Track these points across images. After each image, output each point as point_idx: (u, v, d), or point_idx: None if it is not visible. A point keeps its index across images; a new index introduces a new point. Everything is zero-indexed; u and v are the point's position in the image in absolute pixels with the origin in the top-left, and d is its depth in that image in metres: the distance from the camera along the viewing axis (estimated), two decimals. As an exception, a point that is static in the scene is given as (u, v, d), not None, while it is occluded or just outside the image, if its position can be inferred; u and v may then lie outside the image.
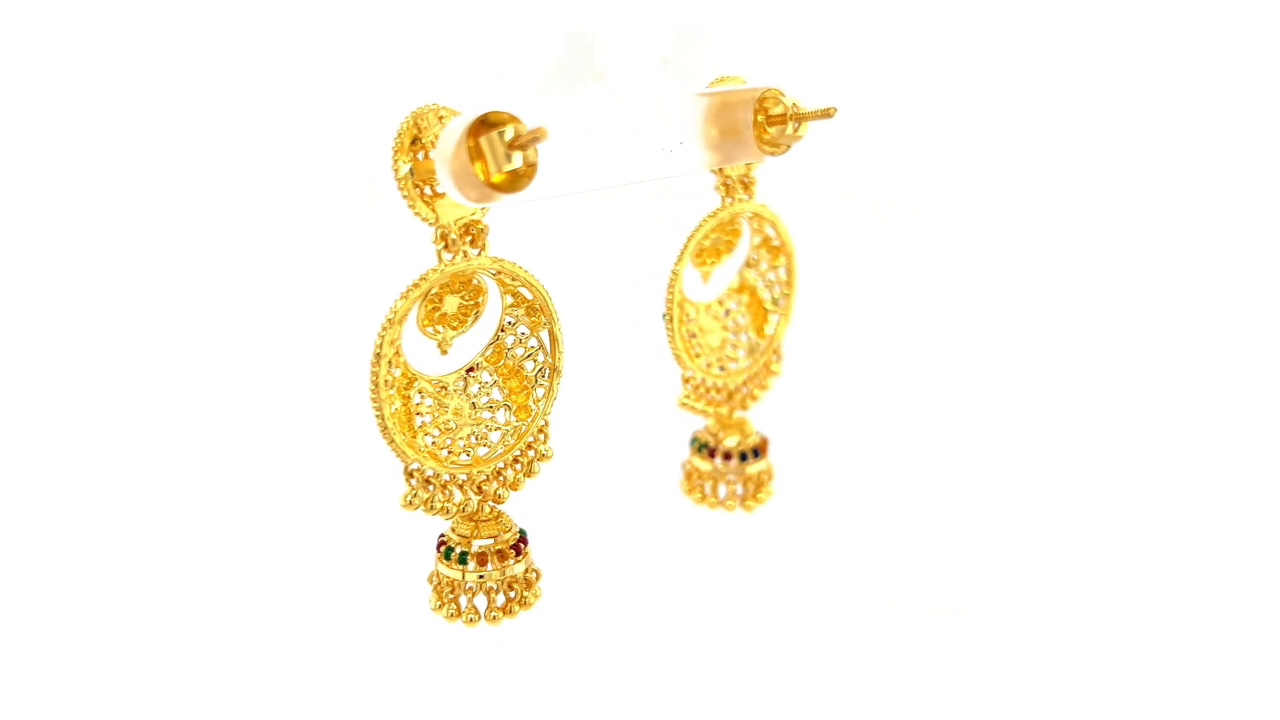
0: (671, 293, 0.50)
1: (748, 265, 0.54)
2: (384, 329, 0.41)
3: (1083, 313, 0.59)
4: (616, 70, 0.45)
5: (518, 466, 0.46)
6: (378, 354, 0.41)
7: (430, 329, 0.44)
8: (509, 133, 0.39)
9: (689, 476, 0.55)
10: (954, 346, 0.58)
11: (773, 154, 0.49)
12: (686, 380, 0.53)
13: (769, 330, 0.55)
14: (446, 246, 0.42)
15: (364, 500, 0.48)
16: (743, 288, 0.55)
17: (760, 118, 0.49)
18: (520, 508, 0.47)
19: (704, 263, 0.53)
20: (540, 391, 0.46)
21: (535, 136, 0.39)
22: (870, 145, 0.55)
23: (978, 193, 0.56)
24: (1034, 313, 0.59)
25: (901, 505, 0.57)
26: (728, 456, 0.54)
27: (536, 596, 0.47)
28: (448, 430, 0.45)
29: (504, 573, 0.45)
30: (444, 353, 0.45)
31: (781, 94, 0.48)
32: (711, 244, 0.52)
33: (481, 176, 0.39)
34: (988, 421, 0.59)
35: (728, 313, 0.54)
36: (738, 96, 0.48)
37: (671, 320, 0.50)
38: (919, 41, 0.55)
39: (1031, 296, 0.59)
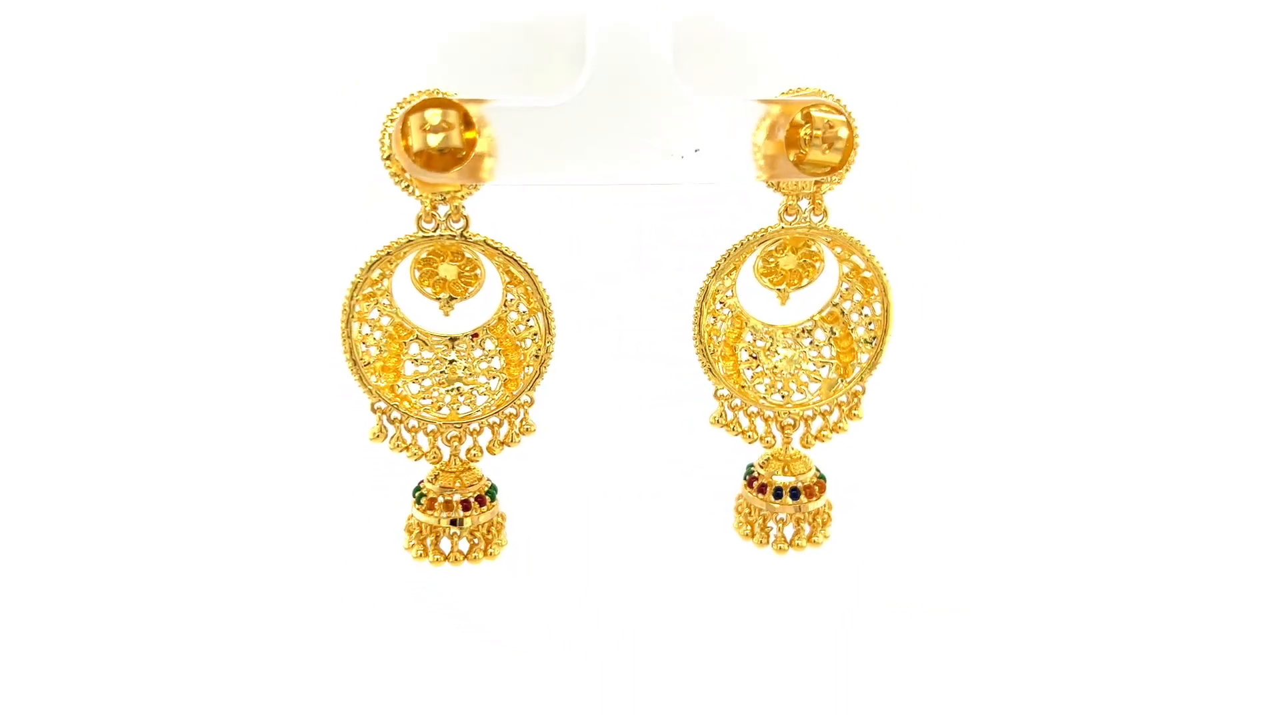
0: (701, 304, 0.49)
1: (841, 296, 0.51)
2: (355, 279, 0.47)
3: (1083, 313, 0.57)
4: (616, 69, 0.45)
5: (494, 433, 0.50)
6: (348, 296, 0.48)
7: (428, 289, 0.49)
8: (433, 116, 0.43)
9: (735, 500, 0.53)
10: (953, 347, 0.56)
11: (812, 174, 0.46)
12: (722, 399, 0.51)
13: (855, 368, 0.51)
14: (424, 217, 0.47)
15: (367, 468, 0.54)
16: (834, 318, 0.51)
17: (803, 134, 0.46)
18: (539, 510, 0.51)
19: (777, 284, 0.51)
20: (529, 370, 0.49)
21: None
22: (870, 145, 0.50)
23: (978, 193, 0.54)
24: (1033, 313, 0.57)
25: (901, 505, 0.57)
26: (762, 489, 0.51)
27: (488, 556, 0.50)
28: (441, 383, 0.50)
29: (448, 520, 0.49)
30: (445, 314, 0.50)
31: (813, 113, 0.45)
32: (782, 265, 0.50)
33: (408, 153, 0.44)
34: (987, 421, 0.58)
35: (812, 342, 0.51)
36: (765, 107, 0.46)
37: (698, 328, 0.49)
38: (918, 41, 0.52)
39: (1031, 297, 0.57)
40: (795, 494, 0.51)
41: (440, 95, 0.45)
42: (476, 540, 0.50)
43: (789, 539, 0.51)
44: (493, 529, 0.51)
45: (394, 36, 0.49)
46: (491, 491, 0.51)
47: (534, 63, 0.48)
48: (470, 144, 0.44)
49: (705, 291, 0.49)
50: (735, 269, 0.50)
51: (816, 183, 0.48)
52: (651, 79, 0.45)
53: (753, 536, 0.52)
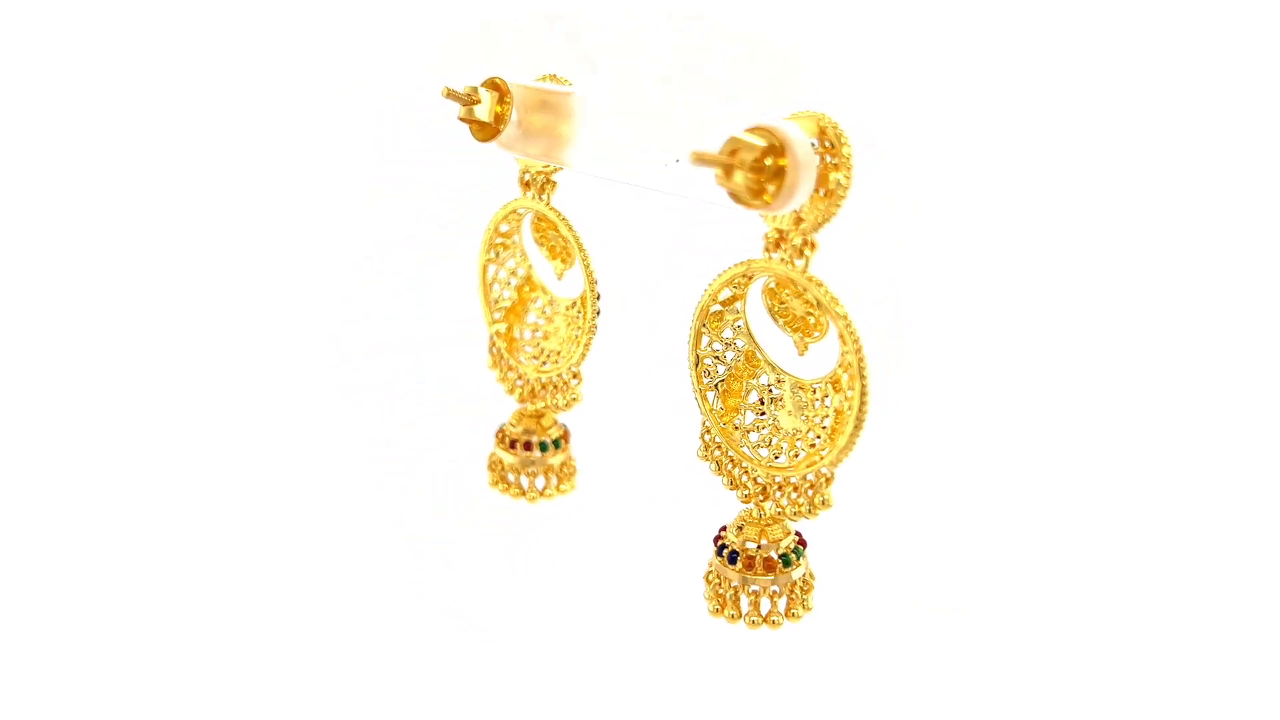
0: (697, 328, 0.46)
1: (843, 362, 0.43)
2: (487, 228, 0.54)
3: (1083, 312, 0.57)
4: (606, 67, 0.44)
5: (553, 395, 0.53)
6: (482, 242, 0.55)
7: (544, 251, 0.54)
8: (480, 93, 0.49)
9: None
10: (952, 346, 0.57)
11: (744, 205, 0.40)
12: (704, 430, 0.46)
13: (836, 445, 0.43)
14: (524, 185, 0.52)
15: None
16: (837, 384, 0.43)
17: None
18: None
19: (795, 330, 0.44)
20: (584, 344, 0.51)
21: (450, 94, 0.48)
22: (870, 145, 0.43)
23: (978, 193, 0.54)
24: (1033, 313, 0.57)
25: (902, 506, 0.57)
26: (715, 539, 0.46)
27: (535, 497, 0.55)
28: (548, 336, 0.55)
29: (510, 457, 0.55)
30: (559, 278, 0.54)
31: (734, 134, 0.39)
32: (793, 309, 0.44)
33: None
34: (987, 421, 0.58)
35: (820, 405, 0.44)
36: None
37: (693, 351, 0.46)
38: (917, 42, 0.51)
39: (1029, 297, 0.57)
40: (733, 558, 0.45)
41: (503, 79, 0.49)
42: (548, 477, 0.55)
43: (723, 603, 0.46)
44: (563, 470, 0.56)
45: (394, 36, 0.53)
46: (544, 444, 0.55)
47: (531, 61, 0.49)
48: (500, 119, 0.48)
49: (703, 312, 0.46)
50: (737, 299, 0.45)
51: (798, 219, 0.42)
52: (639, 81, 0.44)
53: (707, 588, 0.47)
